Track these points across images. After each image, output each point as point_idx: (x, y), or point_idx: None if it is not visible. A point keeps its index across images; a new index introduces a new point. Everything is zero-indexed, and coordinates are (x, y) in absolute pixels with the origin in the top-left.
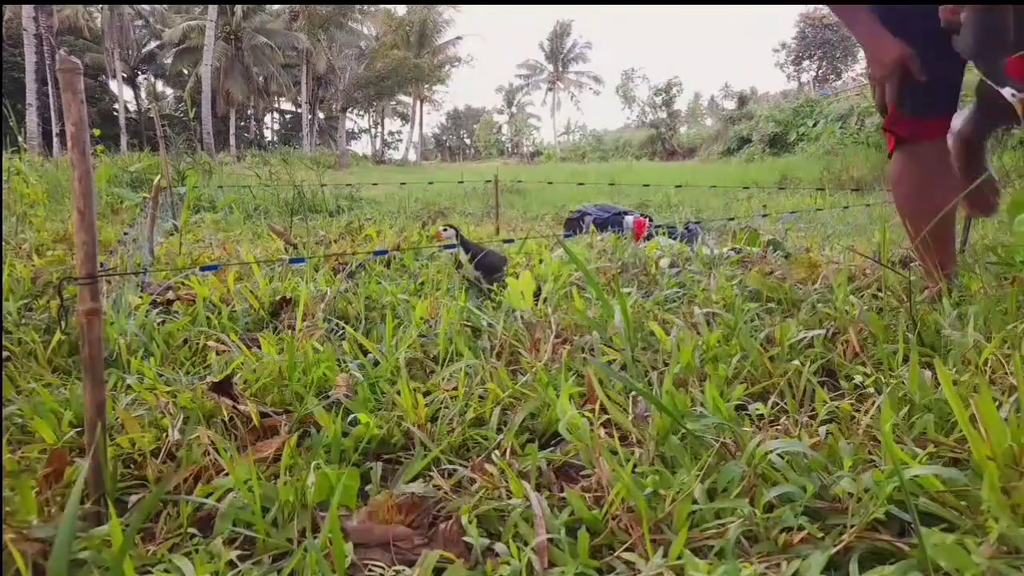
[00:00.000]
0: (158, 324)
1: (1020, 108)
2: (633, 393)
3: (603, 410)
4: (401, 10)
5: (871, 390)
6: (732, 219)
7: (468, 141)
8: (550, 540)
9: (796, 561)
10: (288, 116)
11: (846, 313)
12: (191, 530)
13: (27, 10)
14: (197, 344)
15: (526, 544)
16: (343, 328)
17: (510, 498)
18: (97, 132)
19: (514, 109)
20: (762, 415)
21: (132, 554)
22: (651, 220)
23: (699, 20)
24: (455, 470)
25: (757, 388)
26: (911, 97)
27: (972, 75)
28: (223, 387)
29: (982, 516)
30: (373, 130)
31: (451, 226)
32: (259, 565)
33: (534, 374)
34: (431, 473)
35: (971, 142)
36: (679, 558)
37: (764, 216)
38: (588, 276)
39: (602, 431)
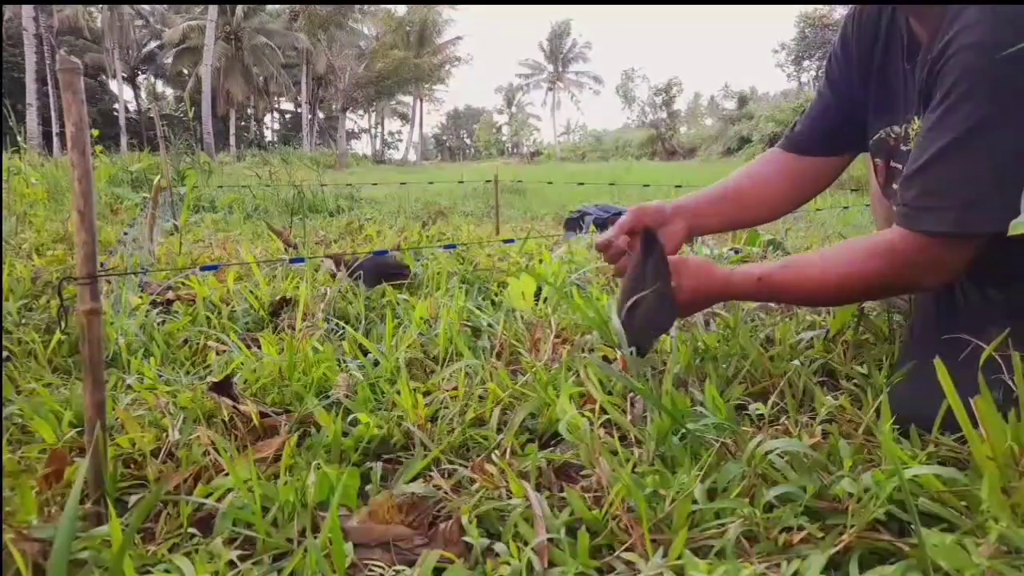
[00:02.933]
0: (158, 324)
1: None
2: (632, 393)
3: (603, 410)
4: (401, 10)
5: (871, 389)
6: None
7: (468, 141)
8: (550, 540)
9: (796, 561)
10: (288, 116)
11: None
12: (191, 530)
13: (27, 10)
14: (197, 344)
15: (526, 544)
16: (343, 328)
17: (510, 498)
18: (97, 132)
19: (514, 109)
20: (762, 415)
21: (132, 554)
22: None
23: (699, 20)
24: (455, 470)
25: (757, 388)
26: None
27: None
28: (223, 387)
29: (982, 516)
30: (373, 130)
31: (328, 256)
32: (259, 565)
33: (534, 374)
34: (431, 473)
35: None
36: (679, 558)
37: None
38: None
39: (602, 431)
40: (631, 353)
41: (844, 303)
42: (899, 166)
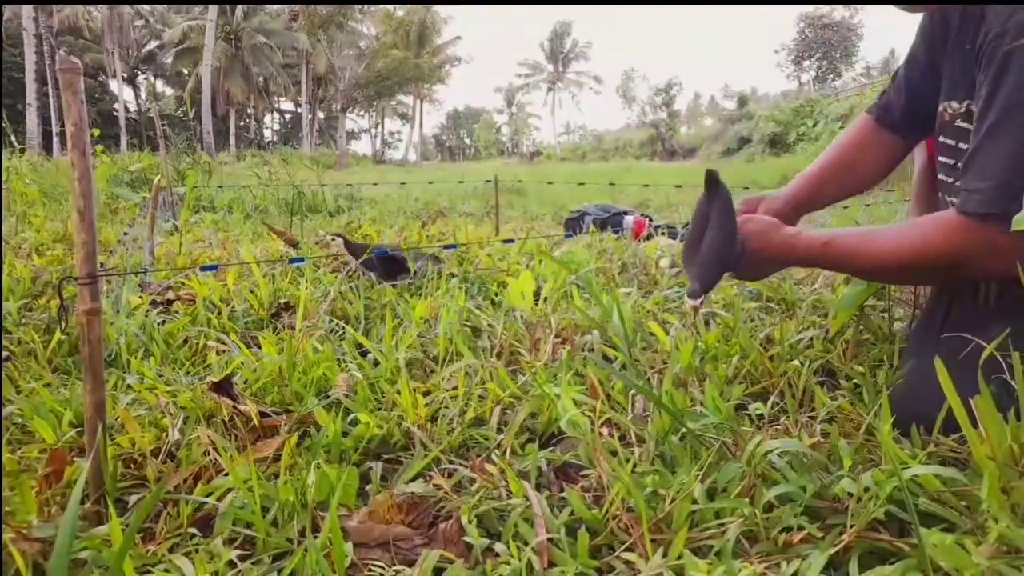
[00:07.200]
0: (158, 324)
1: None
2: (633, 393)
3: (604, 409)
4: (401, 10)
5: (871, 389)
6: None
7: (468, 141)
8: (550, 540)
9: (796, 561)
10: (288, 116)
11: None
12: (191, 530)
13: (27, 10)
14: (197, 344)
15: (526, 544)
16: (343, 328)
17: (510, 498)
18: (97, 132)
19: (514, 109)
20: (762, 415)
21: (132, 554)
22: (651, 220)
23: (699, 20)
24: (455, 470)
25: (757, 388)
26: None
27: None
28: (223, 387)
29: (982, 516)
30: (373, 130)
31: (338, 234)
32: (259, 565)
33: (534, 374)
34: (431, 473)
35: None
36: (679, 558)
37: None
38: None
39: (603, 431)
40: (697, 291)
41: (909, 279)
42: (949, 141)
